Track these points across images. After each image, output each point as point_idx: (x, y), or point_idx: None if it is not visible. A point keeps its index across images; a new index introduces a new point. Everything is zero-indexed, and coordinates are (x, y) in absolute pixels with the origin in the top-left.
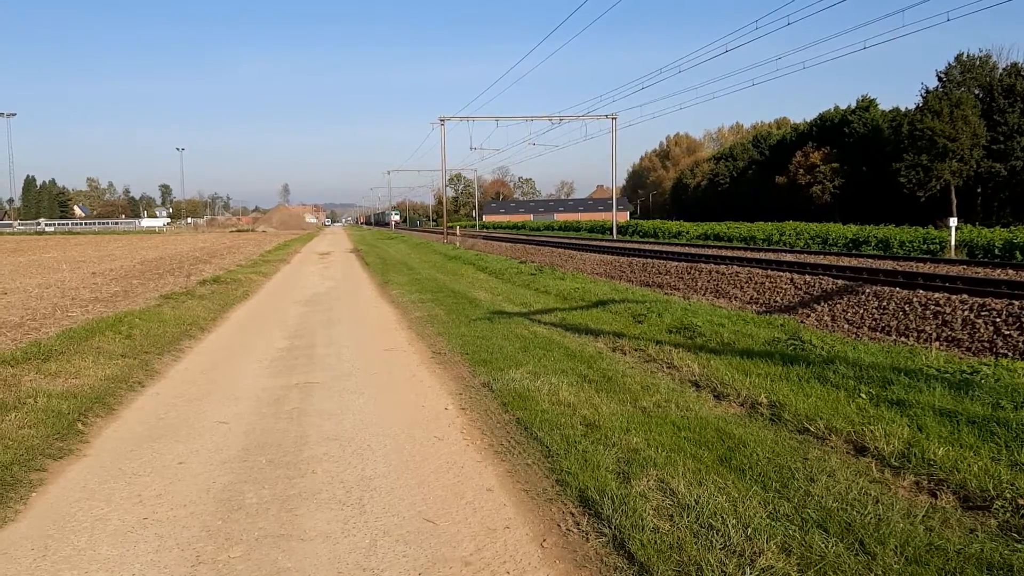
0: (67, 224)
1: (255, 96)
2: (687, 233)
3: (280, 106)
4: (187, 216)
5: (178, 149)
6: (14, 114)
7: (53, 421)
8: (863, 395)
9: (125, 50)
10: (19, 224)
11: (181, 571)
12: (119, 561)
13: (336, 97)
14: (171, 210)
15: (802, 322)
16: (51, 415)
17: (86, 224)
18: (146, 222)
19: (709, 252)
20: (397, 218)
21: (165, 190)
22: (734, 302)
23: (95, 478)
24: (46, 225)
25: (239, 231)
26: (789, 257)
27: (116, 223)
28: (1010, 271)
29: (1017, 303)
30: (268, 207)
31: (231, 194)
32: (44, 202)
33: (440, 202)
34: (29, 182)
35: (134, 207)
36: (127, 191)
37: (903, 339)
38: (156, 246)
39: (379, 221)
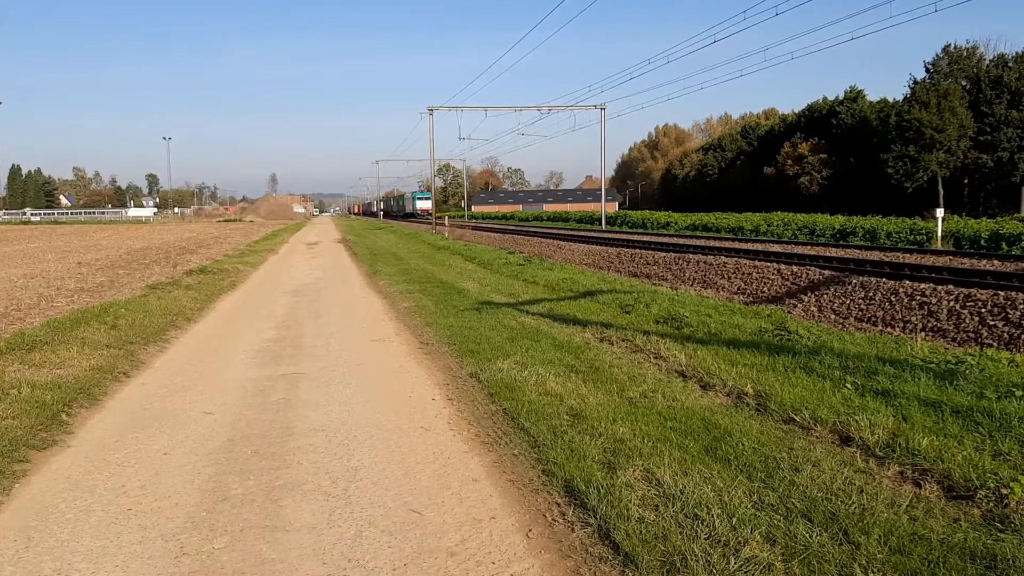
0: (53, 214)
1: (243, 85)
2: (676, 224)
3: (268, 96)
4: (174, 206)
5: (165, 138)
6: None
7: (37, 412)
8: (848, 385)
9: (111, 38)
10: (4, 214)
11: (164, 562)
12: (102, 552)
13: (324, 87)
14: (158, 200)
15: (789, 312)
16: (35, 405)
17: (72, 214)
18: (133, 212)
19: (697, 243)
20: (428, 205)
21: (152, 180)
22: (722, 292)
23: (79, 469)
24: (32, 215)
25: (226, 221)
26: (776, 248)
27: (103, 213)
28: (996, 262)
29: (1002, 294)
30: (256, 197)
31: (218, 184)
32: (30, 191)
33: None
34: (14, 171)
35: (121, 197)
36: (114, 180)
37: (889, 329)
38: (143, 236)
39: (397, 209)
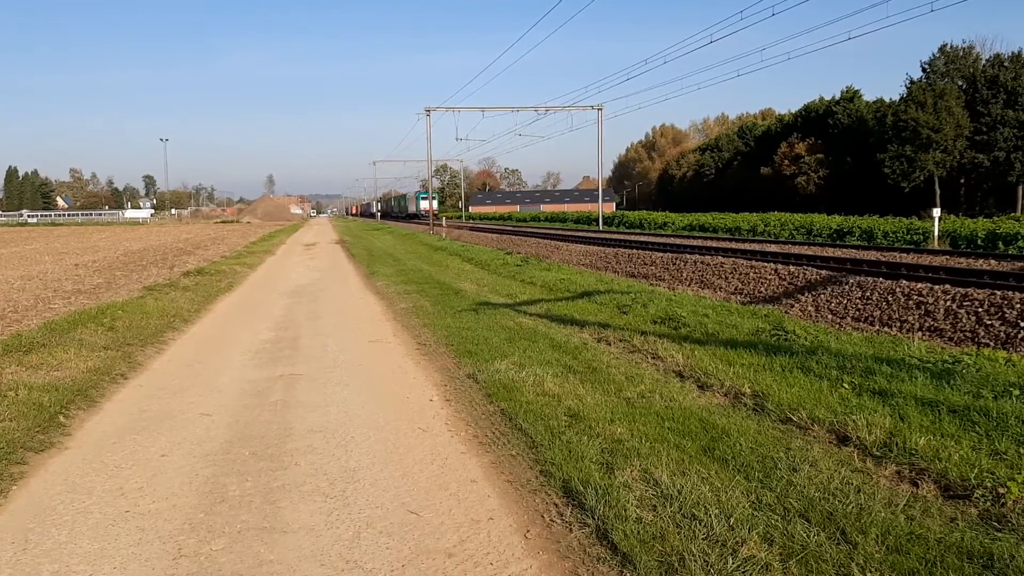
0: (50, 215)
1: (240, 86)
2: (673, 224)
3: (265, 96)
4: (171, 207)
5: (162, 140)
6: None
7: (34, 414)
8: (846, 385)
9: (109, 39)
10: (1, 216)
11: (163, 564)
12: (100, 554)
13: (321, 87)
14: (155, 201)
15: (786, 312)
16: (32, 408)
17: (69, 215)
18: (130, 213)
19: (694, 243)
20: (433, 204)
21: (149, 181)
22: (719, 293)
23: (77, 471)
24: (29, 216)
25: (224, 222)
26: (774, 248)
27: (100, 214)
28: (992, 261)
29: (999, 293)
30: (253, 198)
31: (215, 185)
32: (27, 193)
33: None
34: (11, 173)
35: (118, 198)
36: (111, 182)
37: (886, 329)
38: (140, 237)
39: (399, 210)
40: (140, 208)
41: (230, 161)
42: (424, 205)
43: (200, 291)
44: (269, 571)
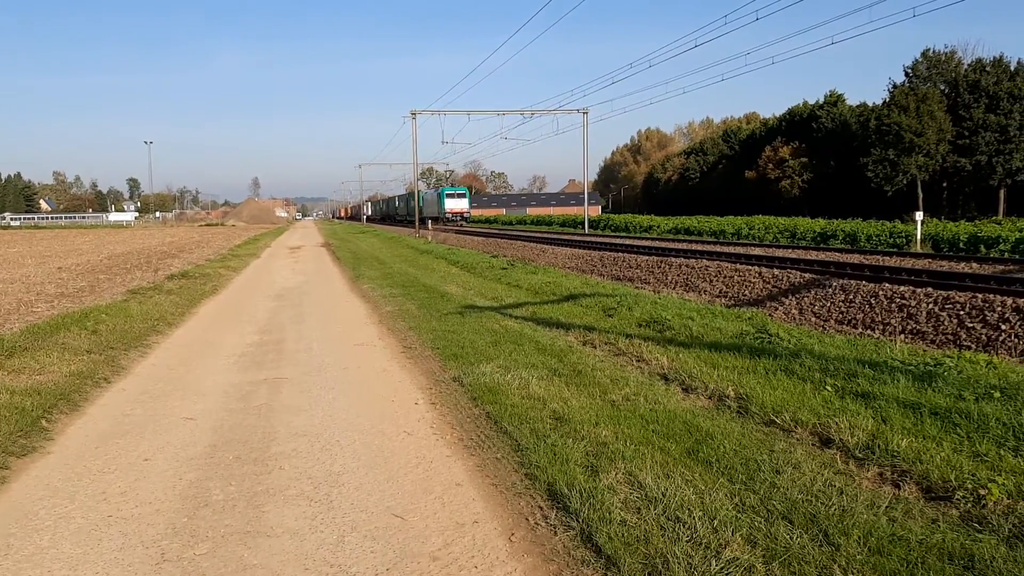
0: (33, 218)
1: (225, 89)
2: (658, 227)
3: (250, 99)
4: (156, 210)
5: (146, 143)
6: None
7: (16, 418)
8: (829, 387)
9: (93, 42)
10: None
11: (145, 569)
12: (82, 559)
13: (307, 91)
14: (139, 204)
15: (770, 315)
16: (14, 412)
17: (53, 218)
18: (114, 216)
19: (679, 246)
20: (464, 205)
21: (133, 184)
22: (703, 296)
23: (59, 476)
24: (11, 220)
25: (208, 225)
26: (758, 251)
27: (83, 217)
28: (974, 264)
29: (980, 296)
30: (238, 201)
31: (200, 188)
32: (9, 196)
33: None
34: None
35: (102, 201)
36: (94, 185)
37: (869, 332)
38: (124, 241)
39: (406, 213)
40: (124, 211)
41: (215, 164)
42: (451, 205)
43: (184, 294)
44: (253, 575)
